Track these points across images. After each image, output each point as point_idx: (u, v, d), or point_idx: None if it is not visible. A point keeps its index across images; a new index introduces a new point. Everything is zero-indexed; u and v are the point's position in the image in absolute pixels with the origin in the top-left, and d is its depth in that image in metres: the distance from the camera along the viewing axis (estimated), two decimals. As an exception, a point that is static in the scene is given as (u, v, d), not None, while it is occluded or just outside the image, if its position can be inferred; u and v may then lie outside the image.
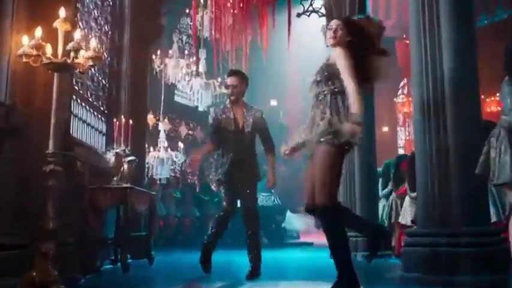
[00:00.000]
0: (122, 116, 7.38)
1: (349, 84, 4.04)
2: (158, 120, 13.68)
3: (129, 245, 8.21)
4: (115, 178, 6.83)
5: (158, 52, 12.37)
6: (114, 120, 7.32)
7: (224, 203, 6.14)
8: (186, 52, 12.37)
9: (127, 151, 7.22)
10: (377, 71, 4.33)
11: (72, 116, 6.84)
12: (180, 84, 12.04)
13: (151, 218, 7.85)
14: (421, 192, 5.37)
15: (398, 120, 24.93)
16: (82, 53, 4.42)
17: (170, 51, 12.28)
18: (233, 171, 5.92)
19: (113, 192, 6.58)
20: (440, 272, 4.93)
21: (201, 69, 11.97)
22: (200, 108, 12.52)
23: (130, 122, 7.43)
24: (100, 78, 8.31)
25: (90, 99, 7.83)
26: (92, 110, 7.85)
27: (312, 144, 4.16)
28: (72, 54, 4.32)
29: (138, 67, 9.42)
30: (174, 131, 18.25)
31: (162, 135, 13.56)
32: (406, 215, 8.41)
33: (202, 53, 12.15)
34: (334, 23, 4.43)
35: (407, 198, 8.22)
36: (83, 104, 7.47)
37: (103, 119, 8.34)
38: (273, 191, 15.76)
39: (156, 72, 12.36)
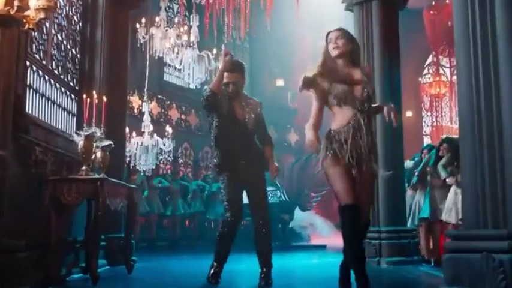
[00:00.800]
0: (94, 92, 6.74)
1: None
2: (144, 101, 12.94)
3: (105, 250, 7.82)
4: (84, 167, 6.19)
5: (143, 20, 11.70)
6: (84, 96, 6.69)
7: (225, 204, 5.96)
8: (176, 21, 11.60)
9: (100, 135, 6.60)
10: None
11: (30, 91, 6.21)
12: (168, 57, 11.31)
13: (130, 216, 7.23)
14: (470, 182, 4.79)
15: (425, 103, 24.18)
16: (32, 2, 3.83)
17: (157, 19, 11.54)
18: (235, 156, 5.92)
19: (79, 185, 5.95)
20: (498, 288, 4.21)
21: (193, 38, 11.25)
22: (192, 85, 11.79)
23: (104, 98, 6.81)
24: (69, 47, 7.66)
25: (56, 72, 7.17)
26: (58, 86, 7.20)
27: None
28: (16, 2, 3.72)
29: (116, 36, 8.80)
30: (164, 114, 17.61)
31: (146, 117, 12.83)
32: (452, 211, 7.66)
33: (195, 20, 11.44)
34: (331, 35, 4.85)
35: (453, 190, 7.51)
36: (46, 77, 6.82)
37: (73, 96, 7.69)
38: (279, 184, 15.19)
39: (141, 44, 11.68)
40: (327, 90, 4.65)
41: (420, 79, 23.31)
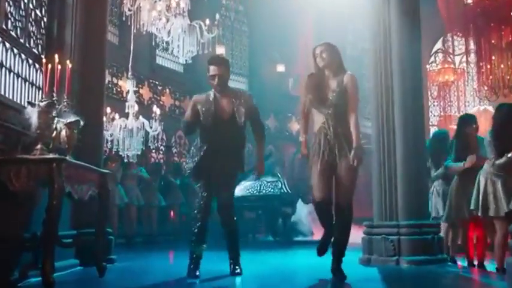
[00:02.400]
0: (56, 56, 5.45)
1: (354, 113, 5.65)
2: (128, 78, 11.51)
3: (77, 247, 6.59)
4: (38, 146, 4.92)
5: (129, -9, 10.43)
6: (44, 61, 5.43)
7: (196, 203, 6.19)
8: (167, -2, 10.26)
9: (63, 107, 5.34)
10: None
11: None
12: (155, 27, 9.97)
13: (101, 206, 5.94)
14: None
15: (432, 92, 22.88)
16: None
17: (144, -12, 10.24)
18: (213, 162, 6.06)
19: (30, 167, 4.66)
20: None
21: (183, 5, 9.92)
22: (181, 60, 10.47)
23: (69, 64, 5.53)
24: (31, 6, 6.38)
25: (14, 34, 5.89)
26: (16, 51, 5.93)
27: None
28: None
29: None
30: (156, 100, 16.35)
31: (131, 97, 11.44)
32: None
33: (185, -15, 10.11)
34: (317, 49, 5.75)
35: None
36: (-2, 39, 5.55)
37: (37, 66, 6.42)
38: (279, 175, 14.06)
39: (126, 18, 10.39)
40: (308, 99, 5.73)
41: (428, 66, 22.07)
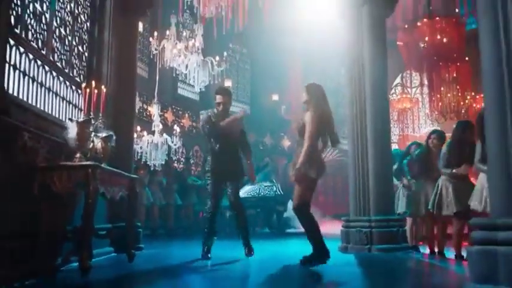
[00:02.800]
0: (93, 82, 5.19)
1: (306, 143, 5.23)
2: (154, 103, 11.22)
3: (111, 238, 6.27)
4: (77, 155, 4.64)
5: (155, 34, 10.18)
6: (83, 85, 5.17)
7: (210, 200, 6.20)
8: (184, 34, 10.02)
9: (98, 123, 5.07)
10: None
11: (24, 77, 4.69)
12: (176, 62, 9.72)
13: (130, 205, 5.65)
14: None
15: (393, 116, 22.62)
16: None
17: (167, 32, 10.01)
18: (222, 166, 6.07)
19: (70, 172, 4.38)
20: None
21: (198, 43, 9.69)
22: (196, 88, 10.22)
23: (104, 89, 5.27)
24: (74, 43, 6.12)
25: (60, 65, 5.63)
26: (60, 78, 5.66)
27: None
28: None
29: (124, 38, 7.26)
30: (177, 122, 16.05)
31: (156, 118, 11.23)
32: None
33: (199, 29, 9.87)
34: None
35: (482, 176, 5.86)
36: (46, 68, 5.27)
37: (79, 92, 6.15)
38: (274, 181, 13.92)
39: (153, 56, 10.13)
40: None
41: (390, 96, 21.90)
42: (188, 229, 12.43)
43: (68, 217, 4.99)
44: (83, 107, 5.74)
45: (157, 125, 10.80)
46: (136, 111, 13.78)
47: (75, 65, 6.15)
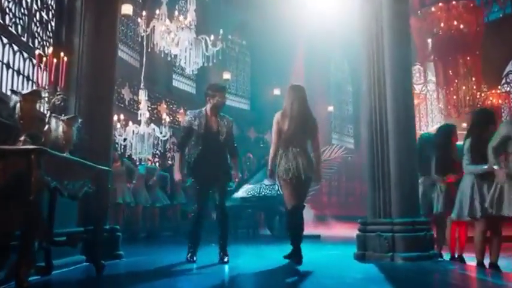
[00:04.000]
0: (51, 49, 4.05)
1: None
2: (140, 88, 9.96)
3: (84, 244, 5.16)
4: (22, 137, 3.50)
5: (144, 13, 9.02)
6: (37, 52, 4.03)
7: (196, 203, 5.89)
8: (176, 13, 8.82)
9: (56, 100, 3.95)
10: None
11: None
12: (164, 41, 8.50)
13: (99, 204, 4.50)
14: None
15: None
16: None
17: (157, 12, 8.81)
18: (205, 165, 5.74)
19: (6, 159, 3.23)
20: None
21: (189, 18, 8.44)
22: (188, 71, 9.01)
23: (64, 58, 4.12)
24: (36, 7, 4.99)
25: (13, 31, 4.50)
26: (15, 46, 4.53)
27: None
28: None
29: (102, 11, 6.09)
30: (172, 116, 14.94)
31: (143, 105, 9.90)
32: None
33: (192, 3, 8.64)
34: None
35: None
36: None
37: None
38: (276, 180, 12.77)
39: (142, 37, 8.97)
40: None
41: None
42: (175, 232, 11.36)
43: (16, 220, 3.85)
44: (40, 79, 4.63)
45: (143, 114, 9.58)
46: (127, 102, 12.81)
47: (36, 34, 5.01)
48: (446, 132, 6.58)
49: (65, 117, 4.22)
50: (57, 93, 4.02)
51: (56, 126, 4.13)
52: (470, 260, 5.90)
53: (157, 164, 13.29)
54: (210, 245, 6.38)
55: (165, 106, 14.44)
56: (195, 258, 5.66)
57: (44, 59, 3.94)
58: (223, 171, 5.84)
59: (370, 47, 6.36)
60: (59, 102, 4.02)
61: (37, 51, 4.23)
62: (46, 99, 3.91)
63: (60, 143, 4.10)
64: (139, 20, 9.00)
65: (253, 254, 6.12)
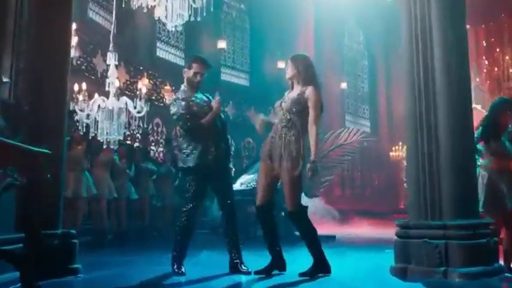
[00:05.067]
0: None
1: (314, 126, 5.08)
2: (109, 50, 8.77)
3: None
4: None
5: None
6: None
7: (189, 200, 5.52)
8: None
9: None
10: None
11: None
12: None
13: (32, 199, 3.48)
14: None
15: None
16: None
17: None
18: (208, 157, 5.46)
19: None
20: None
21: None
22: (170, 27, 7.88)
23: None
24: None
25: None
26: None
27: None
28: None
29: None
30: (156, 93, 14.12)
31: (111, 72, 8.59)
32: None
33: None
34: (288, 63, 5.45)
35: None
36: None
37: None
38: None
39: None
40: None
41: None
42: (143, 231, 10.54)
43: None
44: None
45: (112, 83, 8.41)
46: (99, 74, 11.81)
47: None
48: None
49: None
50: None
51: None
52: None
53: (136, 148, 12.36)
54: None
55: (147, 80, 13.53)
56: (183, 270, 5.30)
57: None
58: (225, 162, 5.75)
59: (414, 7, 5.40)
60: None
61: None
62: None
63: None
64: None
65: (256, 262, 5.37)
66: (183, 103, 5.40)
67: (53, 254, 4.59)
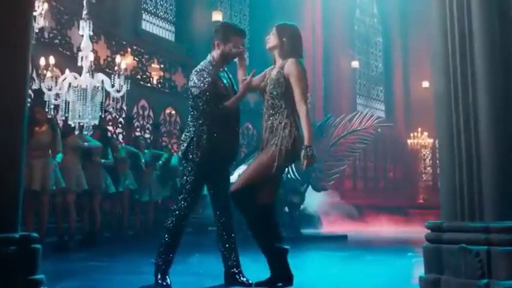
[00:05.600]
0: None
1: (302, 106, 4.83)
2: (82, 18, 8.28)
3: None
4: None
5: None
6: None
7: (183, 197, 5.25)
8: None
9: None
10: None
11: None
12: None
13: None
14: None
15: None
16: None
17: None
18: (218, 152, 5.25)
19: None
20: None
21: None
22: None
23: None
24: None
25: None
26: None
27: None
28: None
29: None
30: (142, 71, 13.82)
31: (85, 45, 8.13)
32: None
33: None
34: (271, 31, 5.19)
35: None
36: None
37: None
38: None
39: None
40: None
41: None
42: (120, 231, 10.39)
43: None
44: None
45: (86, 57, 7.87)
46: (75, 49, 11.46)
47: None
48: None
49: None
50: None
51: None
52: None
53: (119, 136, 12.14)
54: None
55: (131, 56, 13.24)
56: (168, 281, 5.10)
57: None
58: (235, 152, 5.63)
59: None
60: None
61: None
62: None
63: None
64: None
65: (257, 268, 5.12)
66: (209, 79, 5.09)
67: (8, 263, 4.27)
